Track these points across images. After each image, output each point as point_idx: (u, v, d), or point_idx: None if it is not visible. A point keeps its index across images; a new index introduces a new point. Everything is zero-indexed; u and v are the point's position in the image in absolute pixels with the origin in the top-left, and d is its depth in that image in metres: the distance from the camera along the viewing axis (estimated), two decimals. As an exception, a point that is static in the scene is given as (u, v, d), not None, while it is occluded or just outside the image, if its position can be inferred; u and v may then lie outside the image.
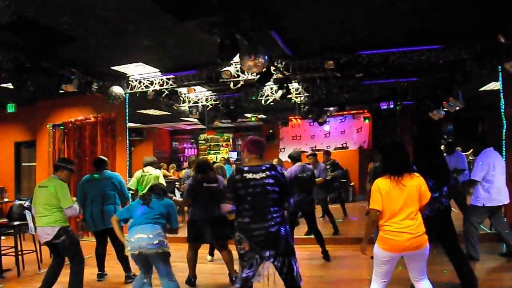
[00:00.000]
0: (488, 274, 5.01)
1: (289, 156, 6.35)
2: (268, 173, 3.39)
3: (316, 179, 6.75)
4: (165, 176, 11.15)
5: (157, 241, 3.78)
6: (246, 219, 3.39)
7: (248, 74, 6.64)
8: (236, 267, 4.68)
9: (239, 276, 3.46)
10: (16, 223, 5.85)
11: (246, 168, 3.45)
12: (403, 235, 3.04)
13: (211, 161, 7.75)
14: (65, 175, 4.72)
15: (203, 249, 5.87)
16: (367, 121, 13.25)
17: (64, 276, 4.69)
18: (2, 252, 5.81)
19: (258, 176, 3.38)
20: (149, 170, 6.96)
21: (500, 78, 6.64)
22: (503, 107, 6.57)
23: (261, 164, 3.45)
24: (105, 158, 5.86)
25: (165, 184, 6.90)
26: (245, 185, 3.39)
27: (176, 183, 10.66)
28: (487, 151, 5.37)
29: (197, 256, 5.07)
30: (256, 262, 3.36)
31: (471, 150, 9.15)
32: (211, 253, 6.21)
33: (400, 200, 3.09)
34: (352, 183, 13.08)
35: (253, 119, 12.93)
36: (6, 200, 9.49)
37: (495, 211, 5.37)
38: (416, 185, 3.11)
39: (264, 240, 3.32)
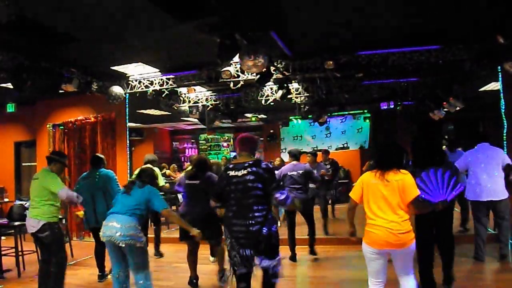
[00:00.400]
0: (494, 275, 5.04)
1: (289, 153, 6.52)
2: (249, 169, 3.37)
3: (321, 171, 7.23)
4: (169, 176, 11.19)
5: (129, 234, 3.71)
6: (230, 213, 3.44)
7: (248, 74, 6.64)
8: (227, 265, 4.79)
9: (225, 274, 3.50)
10: (16, 223, 5.82)
11: (231, 166, 3.50)
12: (384, 230, 3.04)
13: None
14: (58, 168, 4.68)
15: (205, 250, 5.88)
16: (367, 121, 13.25)
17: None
18: (3, 253, 5.81)
19: (240, 173, 3.39)
20: None
21: (500, 78, 6.64)
22: (503, 107, 6.57)
23: (245, 161, 3.44)
24: (101, 156, 5.84)
25: (163, 183, 6.90)
26: (229, 182, 3.43)
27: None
28: (479, 146, 5.43)
29: (197, 256, 5.06)
30: (239, 261, 3.35)
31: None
32: (213, 254, 6.21)
33: (382, 194, 3.09)
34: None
35: (253, 119, 12.94)
36: (6, 200, 9.50)
37: (492, 208, 5.33)
38: (398, 180, 3.07)
39: (243, 238, 3.31)
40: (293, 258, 6.06)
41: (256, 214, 3.31)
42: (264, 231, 3.29)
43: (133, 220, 3.81)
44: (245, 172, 3.37)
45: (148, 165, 6.95)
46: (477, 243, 5.38)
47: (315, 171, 7.17)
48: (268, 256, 3.33)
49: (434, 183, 3.39)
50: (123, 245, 3.71)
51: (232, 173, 3.43)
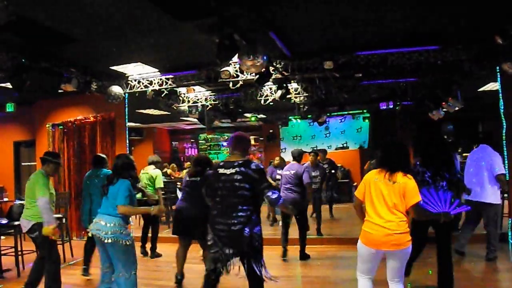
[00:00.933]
0: (492, 274, 5.06)
1: (291, 153, 6.62)
2: (237, 169, 3.38)
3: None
4: (170, 175, 11.22)
5: (112, 231, 3.71)
6: (214, 211, 3.47)
7: (247, 74, 6.65)
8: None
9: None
10: (16, 223, 5.80)
11: (221, 163, 3.54)
12: (380, 230, 3.03)
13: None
14: (52, 169, 4.70)
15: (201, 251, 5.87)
16: (366, 121, 13.28)
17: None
18: (2, 252, 5.82)
19: (228, 171, 3.42)
20: (148, 169, 6.95)
21: (499, 79, 6.65)
22: (502, 107, 6.58)
23: (235, 160, 3.47)
24: (103, 156, 5.84)
25: (161, 185, 6.90)
26: (217, 180, 3.47)
27: (178, 183, 10.66)
28: (481, 147, 5.56)
29: (186, 254, 5.01)
30: (220, 258, 3.37)
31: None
32: None
33: (382, 194, 3.08)
34: (355, 183, 13.10)
35: (253, 119, 12.95)
36: (5, 199, 9.49)
37: (481, 209, 5.39)
38: (401, 183, 3.06)
39: (225, 237, 3.34)
40: (284, 254, 6.10)
41: (240, 214, 3.32)
42: (245, 231, 3.29)
43: (116, 218, 3.78)
44: (233, 171, 3.39)
45: (150, 166, 6.98)
46: (459, 239, 5.53)
47: (313, 173, 7.25)
48: (251, 258, 3.33)
49: (435, 198, 3.40)
50: (107, 241, 3.71)
51: (221, 170, 3.47)
